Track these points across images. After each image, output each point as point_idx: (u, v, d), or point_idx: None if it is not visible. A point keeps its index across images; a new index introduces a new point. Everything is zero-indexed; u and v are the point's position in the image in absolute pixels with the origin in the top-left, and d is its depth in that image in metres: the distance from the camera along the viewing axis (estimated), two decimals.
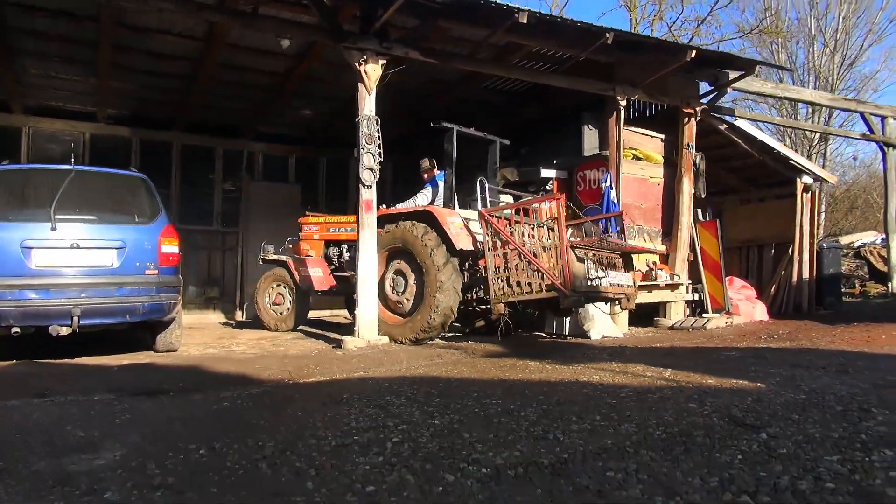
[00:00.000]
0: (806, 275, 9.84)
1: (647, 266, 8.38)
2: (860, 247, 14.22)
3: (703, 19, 19.56)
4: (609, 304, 7.11)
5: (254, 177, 12.31)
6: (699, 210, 9.15)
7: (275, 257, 8.84)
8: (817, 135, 20.36)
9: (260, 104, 10.69)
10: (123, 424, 3.27)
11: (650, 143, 8.79)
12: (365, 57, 6.44)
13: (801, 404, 3.32)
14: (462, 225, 6.80)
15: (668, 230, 8.77)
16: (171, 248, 6.01)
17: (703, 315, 8.71)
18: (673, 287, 8.61)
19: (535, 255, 6.16)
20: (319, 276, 8.18)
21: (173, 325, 6.32)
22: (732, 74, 8.50)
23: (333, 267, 8.32)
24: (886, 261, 11.66)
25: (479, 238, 6.66)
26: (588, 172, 8.58)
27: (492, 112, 10.37)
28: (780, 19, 22.52)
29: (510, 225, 6.39)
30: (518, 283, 6.25)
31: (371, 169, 6.46)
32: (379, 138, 6.49)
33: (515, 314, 7.11)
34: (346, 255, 8.17)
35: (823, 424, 2.90)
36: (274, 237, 12.44)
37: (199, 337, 8.03)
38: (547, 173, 8.73)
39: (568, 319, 7.51)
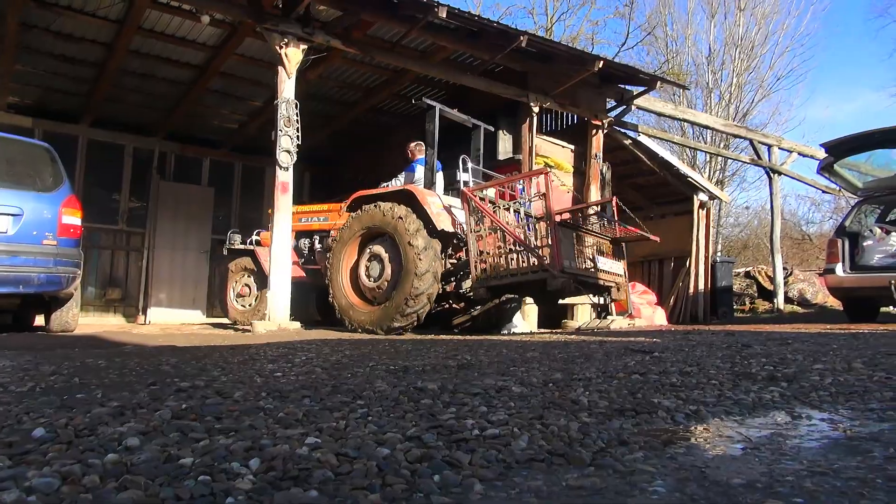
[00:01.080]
0: (702, 286, 10.46)
1: None
2: (749, 269, 15.26)
3: (611, 60, 20.79)
4: (596, 294, 6.86)
5: (164, 177, 11.92)
6: None
7: (241, 247, 8.30)
8: (723, 163, 22.03)
9: (174, 101, 10.44)
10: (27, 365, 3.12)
11: (561, 153, 9.19)
12: (286, 40, 6.48)
13: (691, 345, 3.56)
14: (443, 206, 6.34)
15: None
16: (73, 219, 5.75)
17: (608, 317, 9.06)
18: None
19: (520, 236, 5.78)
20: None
21: (70, 303, 6.02)
22: (637, 92, 9.07)
23: (304, 259, 7.80)
24: (773, 280, 12.54)
25: (462, 221, 6.28)
26: (503, 176, 8.84)
27: (410, 119, 10.57)
28: (681, 68, 24.20)
29: (494, 205, 6.00)
30: (501, 266, 5.82)
31: (288, 151, 6.45)
32: (297, 121, 6.50)
33: (488, 319, 7.00)
34: (319, 246, 7.69)
35: (710, 352, 3.14)
36: (184, 240, 12.12)
37: (98, 329, 7.66)
38: (463, 177, 8.93)
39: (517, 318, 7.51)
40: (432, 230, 6.09)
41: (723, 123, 11.76)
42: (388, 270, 6.31)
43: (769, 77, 24.51)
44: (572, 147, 9.29)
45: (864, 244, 7.67)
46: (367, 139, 11.83)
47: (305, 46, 6.67)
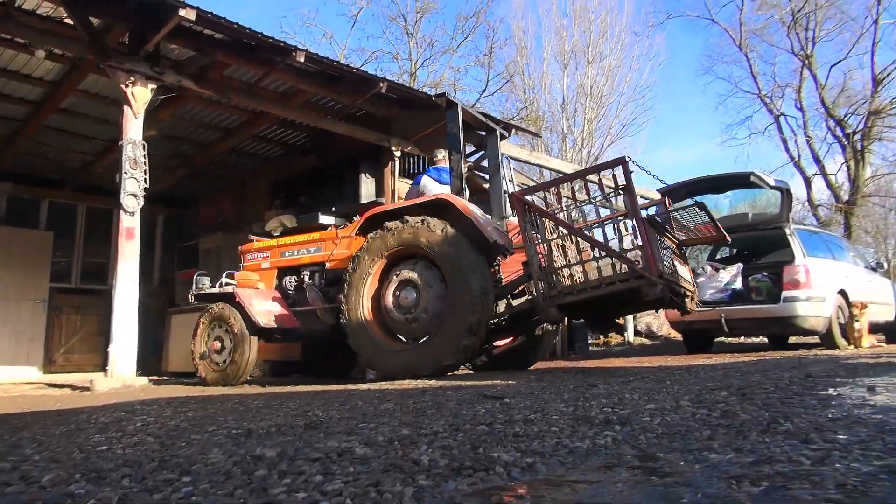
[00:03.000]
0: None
1: None
2: None
3: (472, 105, 21.74)
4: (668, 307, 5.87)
5: None
6: None
7: (215, 290, 6.67)
8: None
9: (4, 139, 9.56)
10: None
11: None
12: (133, 79, 6.16)
13: (542, 387, 3.69)
14: (484, 214, 5.52)
15: None
16: None
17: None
18: None
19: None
20: (277, 312, 6.28)
21: None
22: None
23: (290, 300, 6.52)
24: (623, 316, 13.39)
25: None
26: None
27: (271, 162, 10.38)
28: (538, 114, 25.74)
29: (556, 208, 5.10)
30: (573, 278, 4.90)
31: (135, 195, 6.08)
32: (145, 163, 6.16)
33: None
34: (310, 282, 6.42)
35: (557, 394, 3.26)
36: (17, 289, 10.97)
37: None
38: (325, 220, 8.83)
39: None
40: (480, 244, 5.21)
41: (573, 168, 12.52)
42: (426, 297, 5.29)
43: (616, 125, 26.57)
44: None
45: (698, 281, 8.38)
46: (227, 180, 11.45)
47: (155, 86, 6.37)
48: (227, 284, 6.74)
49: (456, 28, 22.70)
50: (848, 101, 24.31)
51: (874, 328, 9.17)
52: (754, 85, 25.76)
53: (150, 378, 6.85)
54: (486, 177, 10.37)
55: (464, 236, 5.16)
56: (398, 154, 8.49)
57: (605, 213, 5.59)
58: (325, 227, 8.92)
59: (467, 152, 9.51)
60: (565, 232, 5.02)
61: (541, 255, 4.93)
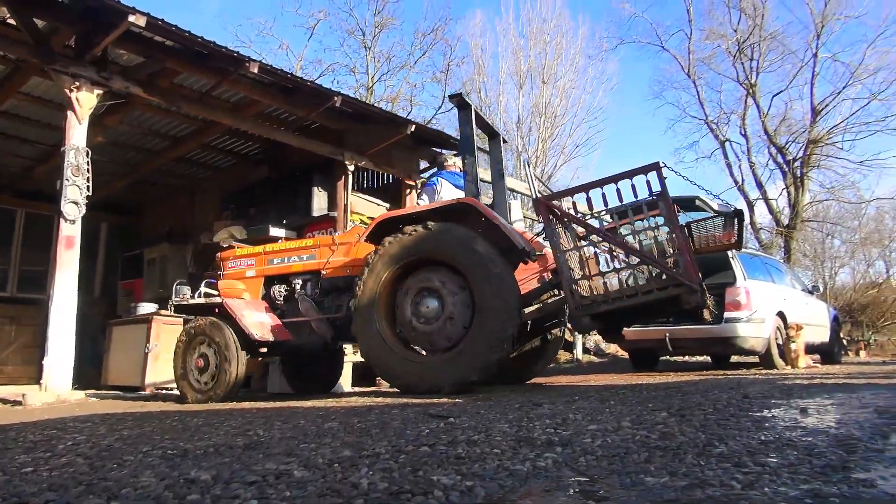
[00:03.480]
0: None
1: None
2: None
3: (428, 121, 21.86)
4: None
5: None
6: None
7: (200, 301, 6.00)
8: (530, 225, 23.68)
9: None
10: None
11: (376, 211, 9.32)
12: (77, 84, 5.99)
13: (488, 406, 3.70)
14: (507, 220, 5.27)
15: None
16: None
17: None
18: None
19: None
20: (270, 324, 5.73)
21: None
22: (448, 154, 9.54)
23: (279, 312, 5.98)
24: (573, 332, 13.57)
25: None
26: (317, 233, 8.77)
27: (221, 172, 10.21)
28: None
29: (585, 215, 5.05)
30: (607, 286, 4.82)
31: (76, 203, 5.88)
32: (88, 170, 5.98)
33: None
34: (302, 292, 5.89)
35: (502, 414, 3.27)
36: None
37: None
38: (276, 232, 8.73)
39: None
40: (512, 250, 4.98)
41: (526, 187, 12.65)
42: (451, 307, 4.95)
43: (569, 144, 27.08)
44: (388, 206, 9.47)
45: None
46: (175, 189, 11.20)
47: (101, 91, 6.20)
48: (206, 294, 6.20)
49: (414, 44, 22.80)
50: (789, 129, 25.44)
51: (810, 349, 9.51)
52: (701, 111, 26.73)
53: (88, 392, 6.61)
54: None
55: (493, 242, 4.91)
56: (352, 168, 8.45)
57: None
58: (275, 239, 8.81)
59: (420, 168, 9.55)
60: (596, 239, 4.99)
61: (571, 263, 4.82)
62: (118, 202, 11.61)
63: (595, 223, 5.17)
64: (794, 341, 8.30)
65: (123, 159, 9.86)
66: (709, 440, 2.28)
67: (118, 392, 7.54)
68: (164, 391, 7.23)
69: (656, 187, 4.67)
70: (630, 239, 4.86)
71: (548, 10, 27.32)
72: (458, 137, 5.90)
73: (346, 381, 8.09)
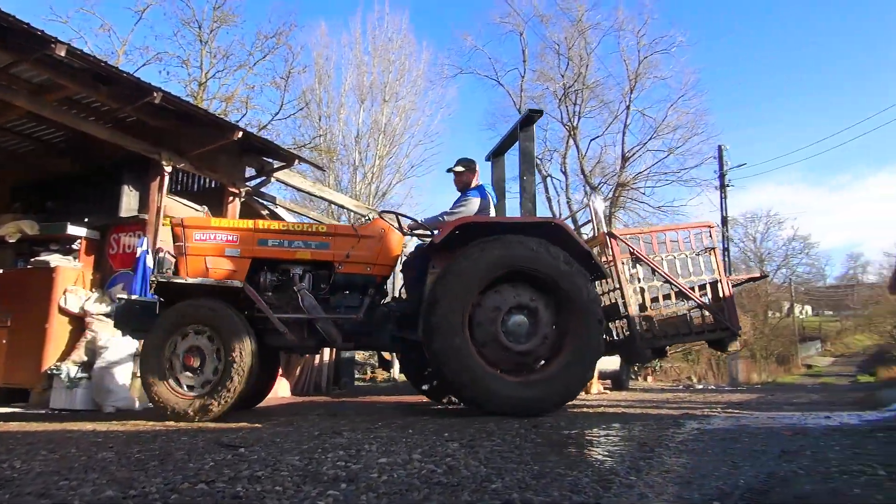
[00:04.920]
0: (326, 357, 10.86)
1: None
2: None
3: (263, 126, 21.12)
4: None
5: None
6: None
7: (209, 281, 4.77)
8: None
9: None
10: None
11: (193, 215, 8.81)
12: None
13: (287, 433, 3.61)
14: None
15: None
16: None
17: None
18: None
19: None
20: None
21: None
22: (277, 165, 9.26)
23: (267, 303, 4.89)
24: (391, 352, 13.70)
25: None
26: (123, 235, 8.10)
27: (15, 158, 9.11)
28: (331, 144, 25.81)
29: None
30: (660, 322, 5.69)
31: None
32: None
33: None
34: (303, 284, 5.00)
35: (297, 443, 3.21)
36: None
37: None
38: (75, 231, 7.94)
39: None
40: (601, 276, 5.37)
41: (355, 204, 12.68)
42: (544, 326, 4.80)
43: (405, 164, 27.57)
44: (205, 211, 8.99)
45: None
46: None
47: None
48: (171, 270, 4.88)
49: (254, 45, 21.89)
50: (602, 171, 27.98)
51: (602, 375, 10.40)
52: None
53: None
54: (265, 203, 10.12)
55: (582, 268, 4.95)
56: (169, 169, 7.90)
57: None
58: (74, 238, 8.01)
59: (245, 177, 9.21)
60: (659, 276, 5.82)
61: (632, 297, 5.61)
62: None
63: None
64: None
65: None
66: (488, 475, 2.41)
67: None
68: None
69: (709, 243, 5.91)
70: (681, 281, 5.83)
71: (394, 30, 27.82)
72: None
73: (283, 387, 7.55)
